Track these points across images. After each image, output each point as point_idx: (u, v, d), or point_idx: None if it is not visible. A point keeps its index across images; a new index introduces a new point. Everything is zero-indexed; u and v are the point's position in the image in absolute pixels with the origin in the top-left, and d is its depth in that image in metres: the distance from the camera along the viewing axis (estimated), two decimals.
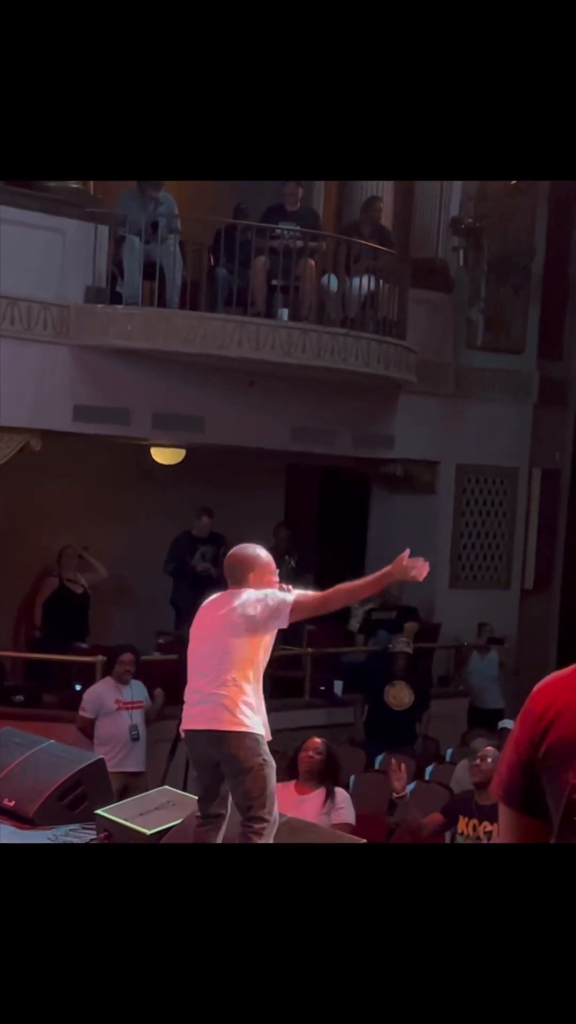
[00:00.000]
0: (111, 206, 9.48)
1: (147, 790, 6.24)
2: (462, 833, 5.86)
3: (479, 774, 5.88)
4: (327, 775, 6.06)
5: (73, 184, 9.42)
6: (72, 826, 5.69)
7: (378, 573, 4.79)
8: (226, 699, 4.47)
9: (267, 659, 4.68)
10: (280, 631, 4.71)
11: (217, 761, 4.59)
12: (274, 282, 9.78)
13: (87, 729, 8.21)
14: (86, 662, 9.09)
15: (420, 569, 4.66)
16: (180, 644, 9.15)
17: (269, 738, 4.81)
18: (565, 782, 1.70)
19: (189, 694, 4.69)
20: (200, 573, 10.38)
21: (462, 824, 5.87)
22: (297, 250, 9.74)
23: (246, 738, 4.46)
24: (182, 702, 4.80)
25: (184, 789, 6.35)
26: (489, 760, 5.83)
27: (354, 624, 11.35)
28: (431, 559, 12.26)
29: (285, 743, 8.38)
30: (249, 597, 4.57)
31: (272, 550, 10.43)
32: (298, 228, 9.85)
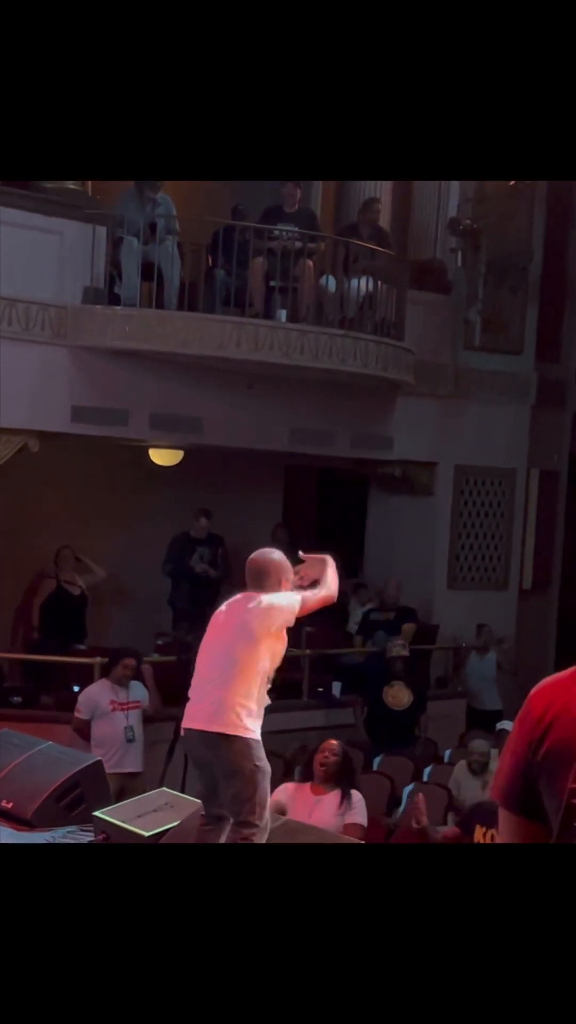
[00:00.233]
0: (109, 207, 9.48)
1: (144, 791, 6.23)
2: (477, 844, 5.83)
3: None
4: (343, 777, 6.09)
5: (71, 185, 9.43)
6: (70, 828, 5.68)
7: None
8: (226, 701, 4.47)
9: (276, 665, 4.69)
10: (280, 656, 4.75)
11: (210, 759, 4.59)
12: (272, 283, 9.77)
13: (83, 730, 8.21)
14: (84, 663, 9.09)
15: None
16: (178, 645, 9.20)
17: None
18: (563, 786, 1.70)
19: (193, 692, 4.69)
20: (198, 574, 10.38)
21: (479, 833, 5.84)
22: (295, 251, 9.74)
23: (239, 742, 4.46)
24: (181, 703, 4.80)
25: (182, 790, 6.35)
26: None
27: (352, 625, 11.35)
28: (429, 560, 12.33)
29: (283, 744, 8.41)
30: (264, 601, 4.60)
31: None
32: (296, 229, 9.85)
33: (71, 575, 10.01)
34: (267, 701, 4.65)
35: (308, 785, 6.06)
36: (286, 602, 4.64)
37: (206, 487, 11.08)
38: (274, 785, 4.98)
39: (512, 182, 11.17)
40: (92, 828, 5.51)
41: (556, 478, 12.90)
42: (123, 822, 5.34)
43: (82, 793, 5.85)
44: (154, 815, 5.39)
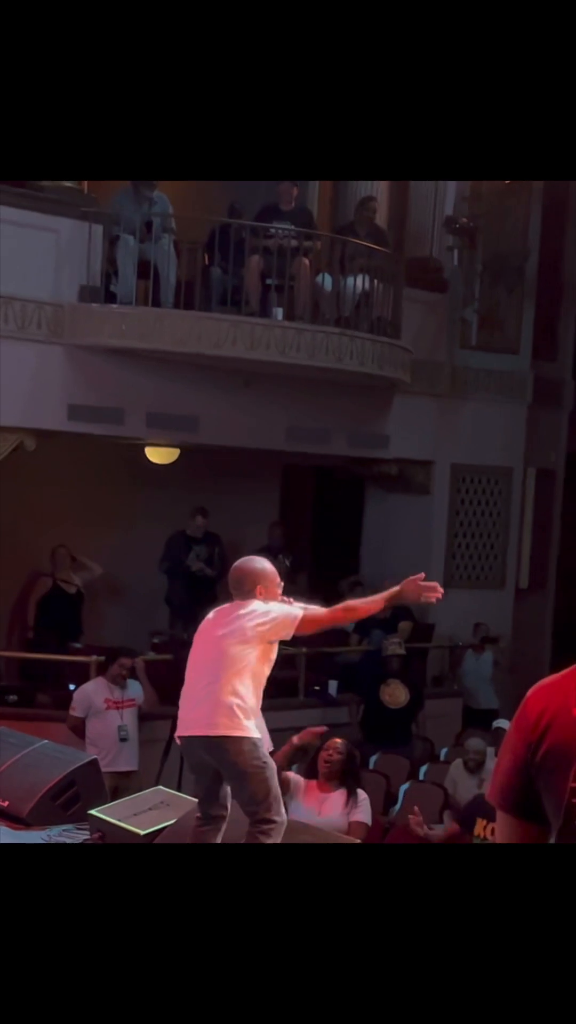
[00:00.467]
0: (105, 205, 9.47)
1: (139, 790, 6.23)
2: (479, 837, 5.84)
3: None
4: (348, 775, 6.13)
5: (67, 183, 9.41)
6: (66, 826, 5.67)
7: (388, 592, 4.81)
8: (221, 705, 4.45)
9: (269, 671, 4.66)
10: (271, 667, 4.71)
11: (214, 766, 4.58)
12: (268, 281, 9.77)
13: (78, 728, 8.20)
14: (80, 662, 9.08)
15: (433, 591, 4.66)
16: (175, 643, 9.20)
17: (270, 747, 4.82)
18: (564, 786, 1.71)
19: (185, 700, 4.67)
20: (195, 573, 10.38)
21: (479, 827, 5.85)
22: (291, 249, 9.74)
23: (243, 743, 4.44)
24: (176, 701, 4.78)
25: (178, 789, 6.35)
26: None
27: (348, 624, 11.34)
28: (425, 558, 12.32)
29: (279, 743, 8.40)
30: (255, 609, 4.55)
31: (267, 549, 10.47)
32: (292, 227, 9.84)
33: (67, 573, 10.01)
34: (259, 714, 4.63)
35: (314, 782, 6.08)
36: (284, 616, 4.56)
37: (202, 486, 11.08)
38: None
39: (508, 181, 11.17)
40: (88, 827, 5.51)
41: (552, 477, 12.91)
42: (119, 820, 5.33)
43: (78, 791, 5.84)
44: (150, 813, 5.38)
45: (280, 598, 4.67)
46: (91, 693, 8.29)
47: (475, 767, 7.98)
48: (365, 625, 10.95)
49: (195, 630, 4.84)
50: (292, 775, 6.06)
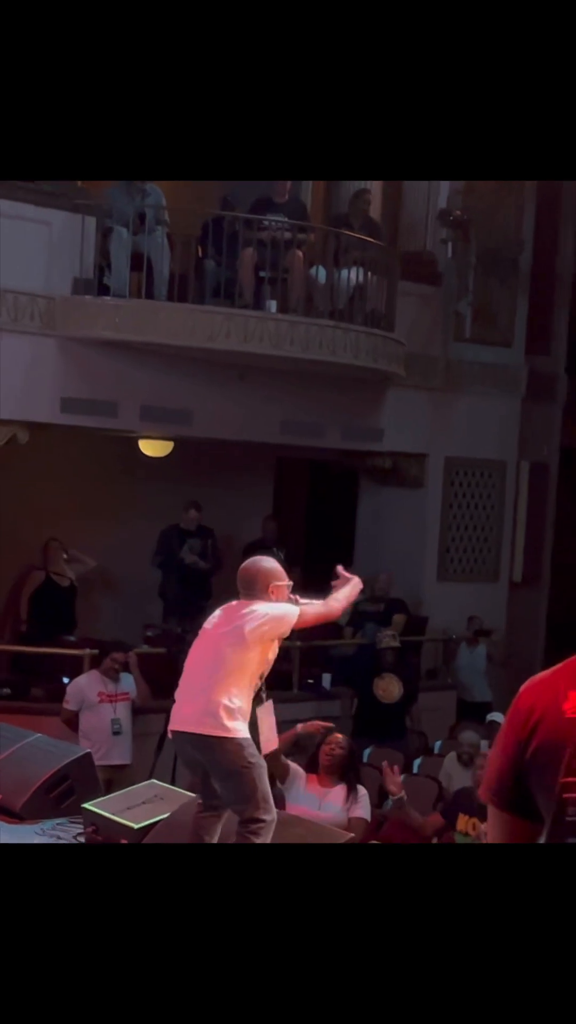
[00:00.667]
0: (98, 198, 9.44)
1: (132, 783, 6.22)
2: (462, 832, 5.85)
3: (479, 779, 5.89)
4: (348, 771, 6.18)
5: None
6: (60, 820, 5.67)
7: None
8: (212, 704, 4.46)
9: (267, 670, 4.68)
10: (270, 665, 4.73)
11: (201, 762, 4.59)
12: (262, 274, 9.75)
13: (71, 722, 8.20)
14: (74, 655, 9.07)
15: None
16: (168, 637, 9.19)
17: (274, 746, 4.84)
18: (554, 783, 1.71)
19: (180, 694, 4.68)
20: (188, 566, 10.37)
21: (461, 822, 5.86)
22: (285, 242, 9.72)
23: (230, 743, 4.45)
24: (170, 695, 4.79)
25: (172, 782, 6.34)
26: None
27: (342, 617, 11.32)
28: (419, 552, 12.33)
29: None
30: (260, 608, 4.58)
31: (260, 543, 10.46)
32: (286, 220, 9.82)
33: (60, 566, 9.99)
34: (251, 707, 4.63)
35: (315, 775, 6.10)
36: (283, 613, 4.61)
37: (196, 479, 11.06)
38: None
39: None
40: (82, 820, 5.50)
41: (546, 471, 12.90)
42: (113, 814, 5.32)
43: (72, 785, 5.84)
44: (144, 807, 5.38)
45: (289, 597, 4.70)
46: (84, 686, 8.28)
47: (469, 760, 7.99)
48: (359, 619, 10.95)
49: (189, 624, 4.85)
50: (293, 765, 6.08)
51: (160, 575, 10.60)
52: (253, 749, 4.53)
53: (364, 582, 11.48)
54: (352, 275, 10.19)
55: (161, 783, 5.91)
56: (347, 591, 4.91)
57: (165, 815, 5.21)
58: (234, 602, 4.75)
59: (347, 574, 4.99)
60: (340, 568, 5.01)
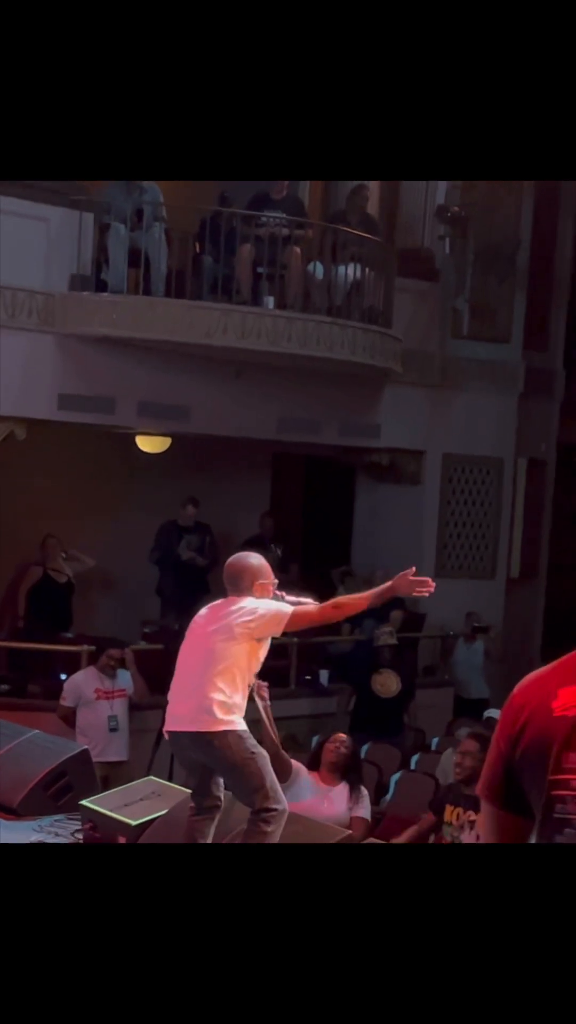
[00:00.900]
0: (96, 194, 9.43)
1: (129, 780, 6.23)
2: (448, 823, 5.88)
3: (462, 772, 5.92)
4: (351, 770, 6.20)
5: None
6: (57, 817, 5.68)
7: (380, 588, 4.78)
8: (208, 700, 4.44)
9: (258, 668, 4.66)
10: (260, 662, 4.70)
11: (203, 761, 4.58)
12: (260, 270, 9.74)
13: (68, 718, 8.20)
14: (71, 651, 9.07)
15: (425, 586, 4.65)
16: (165, 633, 9.19)
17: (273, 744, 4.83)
18: (543, 780, 1.73)
19: (173, 694, 4.67)
20: (186, 562, 10.37)
21: (448, 813, 5.90)
22: (283, 238, 9.71)
23: (228, 736, 4.44)
24: (167, 691, 4.78)
25: (169, 779, 6.35)
26: (469, 756, 5.84)
27: None
28: (417, 548, 12.32)
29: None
30: (248, 605, 4.55)
31: (257, 539, 10.45)
32: (284, 216, 9.82)
33: (57, 563, 9.99)
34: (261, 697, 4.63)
35: (316, 773, 6.11)
36: (274, 612, 4.55)
37: (193, 475, 11.06)
38: None
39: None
40: (79, 817, 5.51)
41: (543, 467, 12.91)
42: (110, 811, 5.33)
43: (69, 782, 5.85)
44: (141, 804, 5.39)
45: (274, 593, 4.67)
46: (81, 683, 8.28)
47: None
48: (357, 615, 10.95)
49: (186, 620, 4.84)
50: (295, 763, 6.09)
51: (157, 571, 10.59)
52: (253, 741, 4.53)
53: (361, 579, 11.54)
54: (349, 271, 10.19)
55: (158, 779, 5.91)
56: (356, 601, 4.77)
57: (163, 812, 5.22)
58: (220, 600, 4.74)
59: (409, 585, 4.72)
60: (412, 576, 4.72)
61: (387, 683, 9.65)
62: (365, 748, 9.09)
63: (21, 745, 6.11)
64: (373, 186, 10.97)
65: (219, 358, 9.68)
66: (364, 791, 6.17)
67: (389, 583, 4.72)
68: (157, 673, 7.88)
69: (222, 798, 4.69)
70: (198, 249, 9.80)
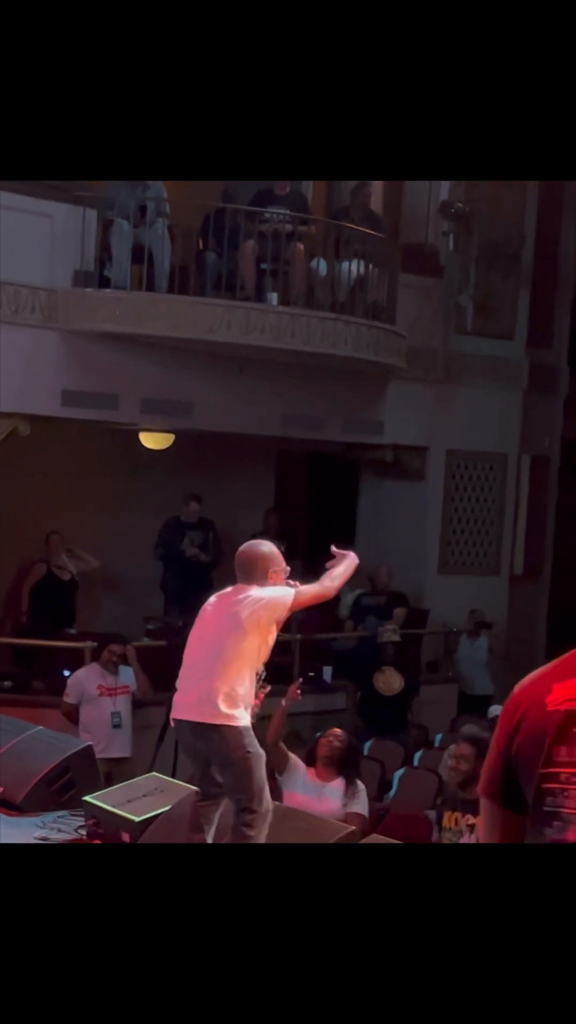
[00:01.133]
0: (100, 190, 9.42)
1: (132, 776, 6.23)
2: (447, 827, 5.87)
3: (457, 775, 5.90)
4: (347, 765, 6.18)
5: None
6: (60, 813, 5.68)
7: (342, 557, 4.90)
8: (214, 692, 4.46)
9: (267, 655, 4.67)
10: (270, 648, 4.72)
11: (202, 750, 4.59)
12: (263, 266, 9.74)
13: (71, 714, 8.21)
14: (74, 648, 9.07)
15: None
16: (168, 630, 9.19)
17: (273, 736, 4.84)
18: (534, 773, 1.75)
19: (180, 683, 4.68)
20: (189, 558, 10.37)
21: (447, 818, 5.90)
22: (286, 234, 9.71)
23: (230, 731, 4.46)
24: (171, 688, 4.79)
25: (173, 775, 6.35)
26: (464, 760, 5.83)
27: (343, 610, 11.34)
28: (420, 545, 12.32)
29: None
30: (254, 594, 4.57)
31: (261, 535, 10.45)
32: (287, 212, 9.81)
33: (61, 559, 10.00)
34: (255, 697, 4.63)
35: (313, 769, 6.10)
36: (278, 596, 4.58)
37: (197, 471, 11.06)
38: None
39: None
40: (82, 813, 5.51)
41: (547, 464, 12.89)
42: (114, 807, 5.33)
43: (73, 778, 5.85)
44: (144, 800, 5.39)
45: (285, 582, 4.69)
46: (84, 680, 8.29)
47: None
48: (360, 611, 10.96)
49: (190, 617, 4.84)
50: (293, 756, 6.09)
51: (161, 568, 10.60)
52: (253, 738, 4.54)
53: (365, 576, 11.56)
54: (353, 268, 10.18)
55: (161, 776, 5.91)
56: (343, 568, 4.85)
57: (166, 808, 5.22)
58: (229, 588, 4.75)
59: (342, 551, 4.94)
60: (334, 548, 4.97)
61: (390, 681, 9.65)
62: (368, 744, 9.10)
63: (25, 741, 6.11)
64: (377, 182, 10.95)
65: (222, 354, 9.68)
66: (360, 786, 6.15)
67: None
68: (160, 669, 7.89)
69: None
70: (201, 245, 9.79)
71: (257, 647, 4.58)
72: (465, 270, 11.78)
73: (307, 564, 11.22)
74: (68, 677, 8.47)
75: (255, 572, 4.65)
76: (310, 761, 6.18)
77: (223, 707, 4.44)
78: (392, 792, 8.15)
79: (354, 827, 4.94)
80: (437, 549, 12.00)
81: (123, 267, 9.20)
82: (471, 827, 5.70)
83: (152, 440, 10.99)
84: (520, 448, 12.52)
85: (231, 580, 4.85)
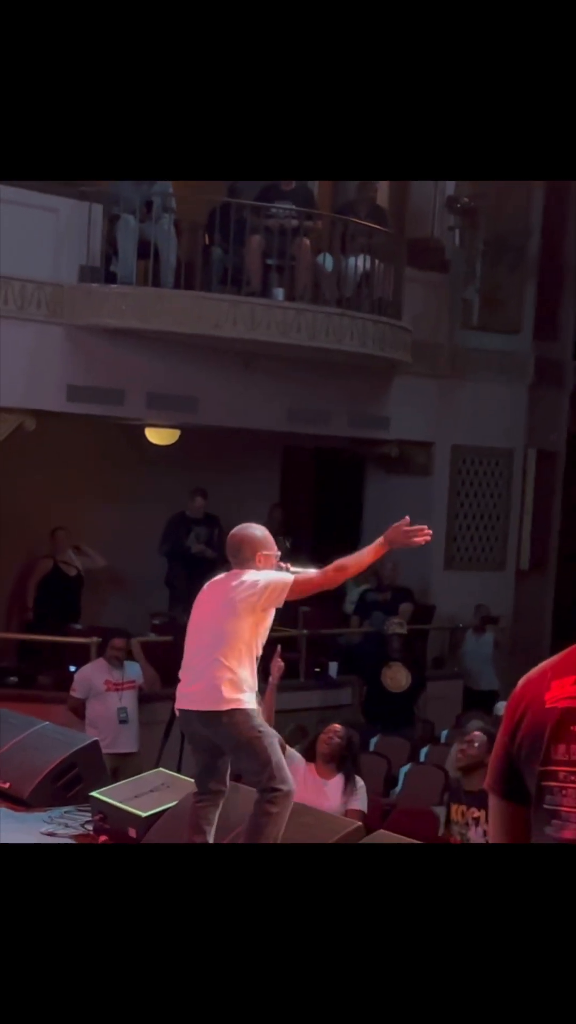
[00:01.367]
0: (105, 185, 9.41)
1: (139, 771, 6.24)
2: (454, 821, 5.88)
3: (464, 758, 5.89)
4: (345, 760, 6.17)
5: None
6: (67, 808, 5.68)
7: (375, 543, 4.76)
8: (217, 679, 4.47)
9: (264, 639, 4.66)
10: (276, 611, 4.70)
11: (212, 739, 4.59)
12: (269, 261, 9.73)
13: (78, 710, 8.21)
14: (80, 643, 9.08)
15: (421, 534, 4.65)
16: (174, 625, 9.19)
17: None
18: (535, 771, 1.76)
19: (183, 673, 4.69)
20: (195, 554, 10.36)
21: (454, 811, 5.90)
22: (292, 229, 9.69)
23: (236, 714, 4.47)
24: (177, 682, 4.79)
25: (179, 770, 6.35)
26: (476, 744, 5.83)
27: (349, 606, 11.34)
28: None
29: (280, 725, 8.41)
30: (248, 578, 4.56)
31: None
32: (293, 207, 9.79)
33: (67, 555, 10.00)
34: (256, 683, 4.63)
35: (312, 765, 6.10)
36: (274, 581, 4.55)
37: (202, 467, 11.05)
38: None
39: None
40: (89, 808, 5.51)
41: (554, 458, 12.87)
42: (120, 802, 5.34)
43: (79, 773, 5.86)
44: (151, 795, 5.40)
45: (277, 564, 4.67)
46: (91, 675, 8.29)
47: None
48: (366, 607, 10.95)
49: None
50: (291, 751, 6.09)
51: (166, 563, 10.59)
52: (261, 720, 4.55)
53: (371, 571, 11.56)
54: (359, 262, 10.17)
55: (168, 771, 5.92)
56: (353, 560, 4.73)
57: (172, 803, 5.22)
58: (221, 575, 4.74)
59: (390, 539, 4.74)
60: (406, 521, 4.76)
61: (396, 677, 9.65)
62: (374, 740, 9.10)
63: (31, 736, 6.12)
64: None
65: (228, 349, 9.67)
66: (360, 782, 6.15)
67: (383, 536, 4.73)
68: (166, 665, 7.89)
69: (227, 784, 4.70)
70: (207, 240, 9.78)
71: (254, 631, 4.56)
72: (471, 265, 11.76)
73: (313, 560, 11.20)
74: (74, 672, 8.47)
75: (244, 555, 4.64)
76: (309, 757, 6.18)
77: (228, 693, 4.45)
78: (398, 788, 8.15)
79: (360, 823, 4.93)
80: (443, 544, 11.98)
81: (129, 262, 9.20)
82: (476, 820, 5.70)
83: (158, 435, 10.98)
84: (526, 442, 12.51)
85: None
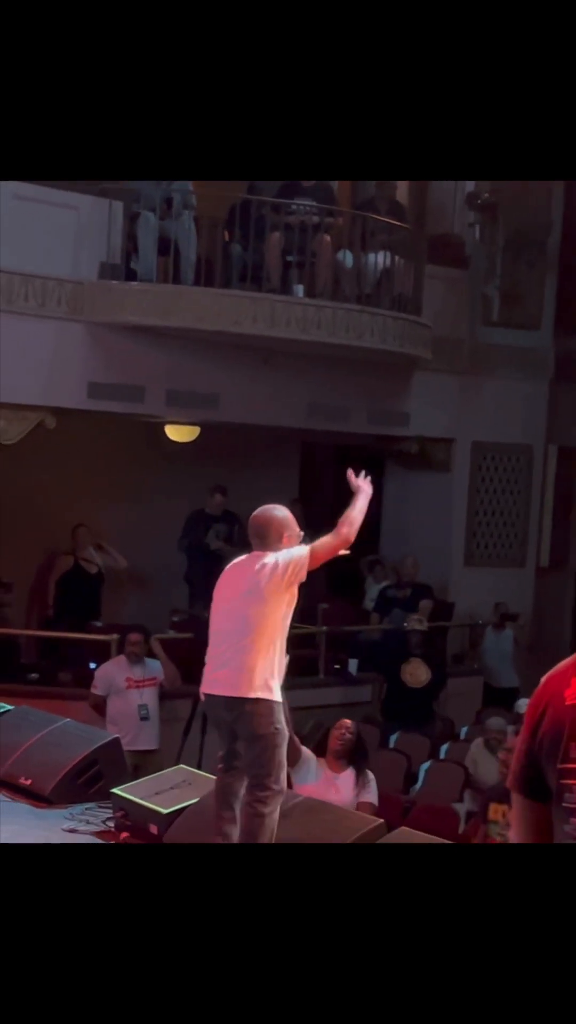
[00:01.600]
0: (126, 182, 9.41)
1: (159, 768, 6.24)
2: (494, 821, 5.87)
3: (505, 767, 5.91)
4: (356, 755, 6.22)
5: None
6: (88, 805, 5.70)
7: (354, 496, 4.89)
8: (245, 665, 4.48)
9: (291, 616, 4.65)
10: (294, 608, 4.70)
11: (231, 723, 4.60)
12: (289, 258, 9.72)
13: (99, 707, 8.23)
14: (101, 640, 9.09)
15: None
16: (194, 622, 9.19)
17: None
18: (554, 768, 1.76)
19: (210, 659, 4.68)
20: (214, 551, 10.36)
21: (493, 811, 5.89)
22: (312, 226, 9.68)
23: (262, 705, 4.47)
24: (197, 680, 4.79)
25: (199, 767, 6.36)
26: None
27: (369, 602, 11.33)
28: (446, 537, 12.25)
29: (300, 721, 8.42)
30: (269, 560, 4.57)
31: None
32: (313, 204, 9.78)
33: (88, 552, 10.02)
34: (286, 659, 4.63)
35: (323, 760, 6.13)
36: (294, 556, 4.57)
37: (222, 463, 11.06)
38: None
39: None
40: (110, 805, 5.53)
41: (574, 454, 12.82)
42: (142, 799, 5.34)
43: (100, 770, 5.87)
44: (172, 792, 5.40)
45: (300, 542, 4.68)
46: (112, 672, 8.30)
47: (496, 746, 7.97)
48: (386, 604, 10.94)
49: None
50: (305, 749, 6.10)
51: (186, 560, 10.60)
52: (281, 716, 4.55)
53: (390, 568, 11.49)
54: (379, 259, 10.15)
55: (189, 768, 5.93)
56: (358, 510, 4.78)
57: (194, 800, 5.23)
58: (243, 557, 4.74)
59: (356, 481, 4.90)
60: (350, 474, 4.91)
61: (417, 673, 9.64)
62: (394, 737, 9.10)
63: (52, 733, 6.14)
64: None
65: (248, 346, 9.67)
66: (371, 776, 6.21)
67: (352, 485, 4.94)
68: (187, 662, 7.90)
69: None
70: (227, 237, 9.78)
71: (281, 614, 4.58)
72: (491, 260, 11.72)
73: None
74: (95, 669, 8.48)
75: (269, 536, 4.65)
76: (320, 752, 6.20)
77: (259, 681, 4.46)
78: (418, 785, 8.15)
79: (381, 820, 4.92)
80: (463, 541, 11.96)
81: (149, 259, 9.20)
82: None
83: (177, 432, 10.99)
84: (546, 439, 12.46)
85: None
